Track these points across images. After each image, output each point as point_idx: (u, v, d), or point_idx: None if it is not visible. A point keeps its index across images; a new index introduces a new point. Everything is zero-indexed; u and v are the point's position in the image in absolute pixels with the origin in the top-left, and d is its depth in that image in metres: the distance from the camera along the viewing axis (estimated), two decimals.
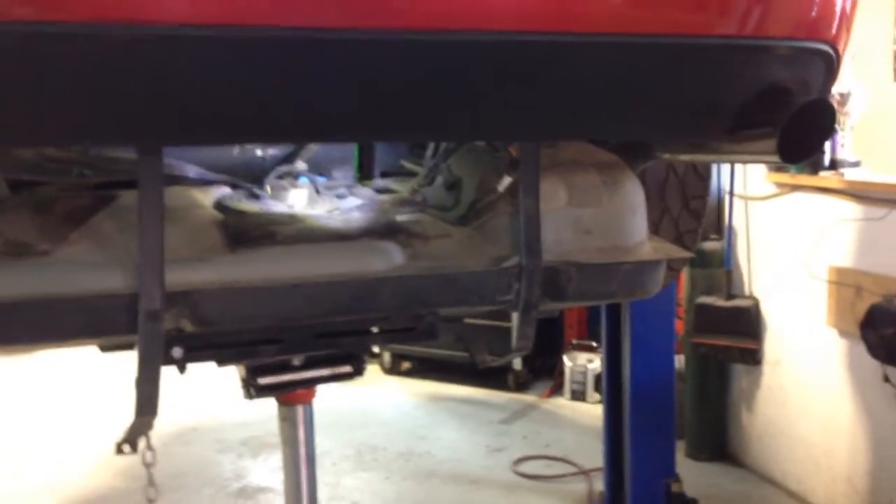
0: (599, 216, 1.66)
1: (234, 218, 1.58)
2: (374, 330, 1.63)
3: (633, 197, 1.71)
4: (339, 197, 1.88)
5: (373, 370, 5.44)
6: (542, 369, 5.28)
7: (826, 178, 3.30)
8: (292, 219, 1.61)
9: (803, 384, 3.57)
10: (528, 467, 4.06)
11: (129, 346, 1.48)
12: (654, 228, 2.15)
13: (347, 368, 1.71)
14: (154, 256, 1.30)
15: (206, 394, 4.75)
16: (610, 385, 3.26)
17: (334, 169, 2.07)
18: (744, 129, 1.46)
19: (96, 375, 5.01)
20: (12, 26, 1.04)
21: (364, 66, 1.21)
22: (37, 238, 1.39)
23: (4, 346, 1.40)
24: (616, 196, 1.69)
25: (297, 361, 1.67)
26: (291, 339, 1.54)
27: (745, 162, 3.41)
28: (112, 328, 1.35)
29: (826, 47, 1.45)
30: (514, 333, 1.66)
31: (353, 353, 1.69)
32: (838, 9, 1.45)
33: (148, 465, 1.82)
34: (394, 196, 1.90)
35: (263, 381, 1.66)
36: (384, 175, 2.10)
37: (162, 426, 1.61)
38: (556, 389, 5.13)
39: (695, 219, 2.36)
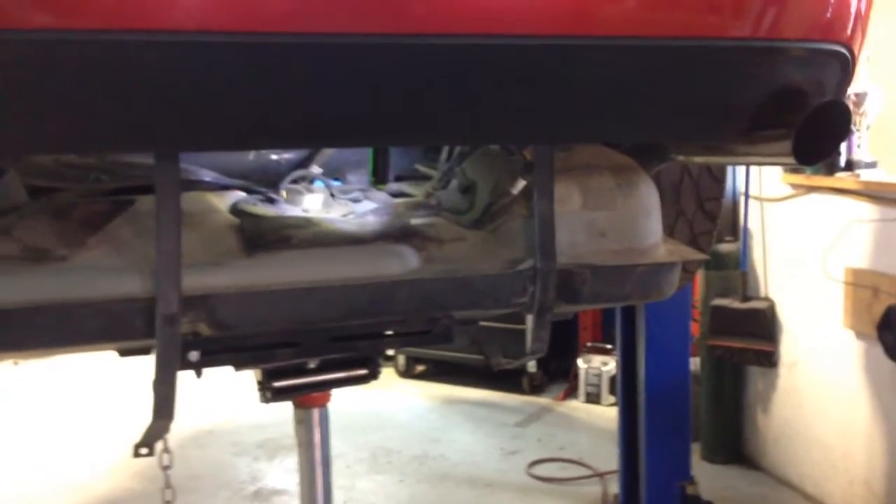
0: (614, 218, 1.66)
1: (249, 222, 1.58)
2: (390, 333, 1.63)
3: (648, 199, 1.71)
4: (354, 201, 1.88)
5: (387, 373, 5.44)
6: (557, 372, 5.27)
7: (842, 179, 3.28)
8: (308, 223, 1.62)
9: (820, 386, 3.55)
10: (542, 470, 4.06)
11: (146, 351, 1.49)
12: (669, 230, 2.14)
13: (363, 371, 1.71)
14: (171, 261, 1.31)
15: (221, 396, 4.77)
16: (625, 387, 3.26)
17: (349, 173, 2.08)
18: (759, 130, 1.46)
19: (114, 379, 5.04)
20: (33, 34, 1.05)
21: (385, 70, 1.22)
22: (55, 243, 1.41)
23: (24, 350, 1.41)
24: (630, 198, 1.68)
25: (312, 365, 1.67)
26: (307, 342, 1.54)
27: (760, 164, 3.39)
28: (130, 332, 1.36)
29: (841, 48, 1.44)
30: (529, 336, 1.66)
31: (368, 357, 1.69)
32: (853, 10, 1.45)
33: (164, 468, 1.84)
34: (408, 200, 1.90)
35: (279, 384, 1.67)
36: (399, 179, 2.11)
37: (178, 429, 1.62)
38: (571, 392, 5.12)
39: (710, 220, 2.35)
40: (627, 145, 1.80)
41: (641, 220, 1.69)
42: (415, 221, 1.69)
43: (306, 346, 1.56)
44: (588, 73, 1.33)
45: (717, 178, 2.36)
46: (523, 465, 4.10)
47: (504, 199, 1.67)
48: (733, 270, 3.87)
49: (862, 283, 3.22)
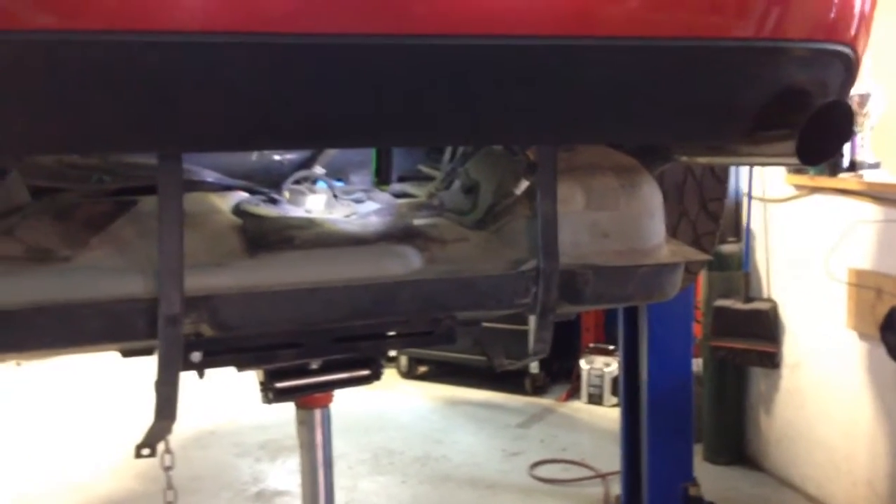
0: (617, 219, 1.66)
1: (252, 223, 1.58)
2: (392, 334, 1.63)
3: (651, 200, 1.71)
4: (357, 201, 1.88)
5: (389, 374, 5.44)
6: (559, 373, 5.27)
7: (845, 179, 3.28)
8: (310, 223, 1.62)
9: (822, 387, 3.55)
10: (544, 471, 4.05)
11: (149, 351, 1.49)
12: (672, 231, 2.14)
13: (365, 372, 1.71)
14: (173, 261, 1.31)
15: (223, 397, 4.77)
16: (627, 388, 3.25)
17: (352, 173, 2.08)
18: (762, 131, 1.45)
19: (117, 379, 5.05)
20: (37, 35, 1.05)
21: (388, 71, 1.22)
22: (58, 244, 1.41)
23: (27, 350, 1.41)
24: (633, 199, 1.68)
25: (314, 365, 1.67)
26: (310, 343, 1.54)
27: (763, 164, 3.39)
28: (132, 333, 1.36)
29: (845, 49, 1.44)
30: (532, 337, 1.66)
31: (370, 357, 1.69)
32: (857, 10, 1.45)
33: (166, 469, 1.84)
34: (411, 200, 1.90)
35: (281, 385, 1.67)
36: (401, 179, 2.11)
37: (180, 430, 1.62)
38: (573, 393, 5.11)
39: (713, 221, 2.35)
40: (631, 146, 1.80)
41: (644, 221, 1.69)
42: (418, 222, 1.69)
43: (309, 347, 1.56)
44: (591, 74, 1.33)
45: (721, 178, 2.36)
46: (525, 466, 4.10)
47: (507, 200, 1.67)
48: (736, 271, 3.87)
49: (865, 284, 3.22)
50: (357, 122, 1.29)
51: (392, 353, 5.17)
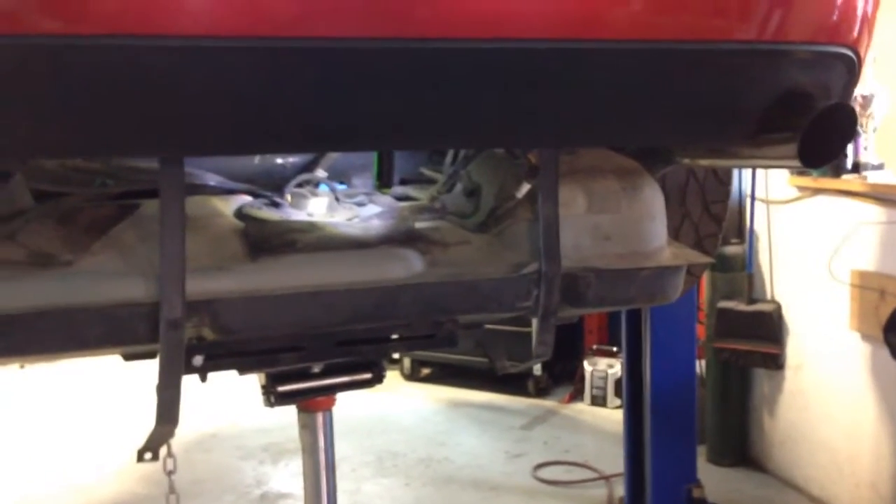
0: (618, 222, 1.66)
1: (254, 226, 1.58)
2: (395, 337, 1.63)
3: (653, 202, 1.71)
4: (359, 205, 1.88)
5: (392, 376, 5.44)
6: (562, 375, 5.26)
7: (849, 181, 3.27)
8: (312, 227, 1.62)
9: (826, 389, 3.54)
10: (548, 473, 4.05)
11: (151, 355, 1.49)
12: (675, 233, 2.14)
13: (367, 375, 1.71)
14: (175, 265, 1.31)
15: (226, 401, 4.77)
16: (630, 390, 3.25)
17: (354, 177, 2.08)
18: (765, 133, 1.45)
19: (120, 382, 5.05)
20: (41, 39, 1.05)
21: (391, 75, 1.22)
22: (60, 248, 1.41)
23: (29, 354, 1.41)
24: (635, 202, 1.68)
25: (317, 369, 1.67)
26: (312, 346, 1.54)
27: (765, 167, 3.39)
28: (134, 337, 1.36)
29: (847, 51, 1.44)
30: (534, 339, 1.65)
31: (373, 361, 1.69)
32: (860, 12, 1.44)
33: (169, 473, 1.84)
34: (413, 203, 1.90)
35: (283, 388, 1.67)
36: (403, 182, 2.11)
37: (183, 433, 1.62)
38: (577, 395, 5.11)
39: (715, 223, 2.34)
40: (632, 148, 1.80)
41: (646, 224, 1.69)
42: (419, 225, 1.69)
43: (311, 351, 1.56)
44: (594, 77, 1.33)
45: (723, 180, 2.35)
46: (529, 467, 4.10)
47: (509, 203, 1.67)
48: (739, 273, 3.86)
49: (868, 286, 3.21)
50: (360, 126, 1.29)
51: (395, 355, 5.17)
